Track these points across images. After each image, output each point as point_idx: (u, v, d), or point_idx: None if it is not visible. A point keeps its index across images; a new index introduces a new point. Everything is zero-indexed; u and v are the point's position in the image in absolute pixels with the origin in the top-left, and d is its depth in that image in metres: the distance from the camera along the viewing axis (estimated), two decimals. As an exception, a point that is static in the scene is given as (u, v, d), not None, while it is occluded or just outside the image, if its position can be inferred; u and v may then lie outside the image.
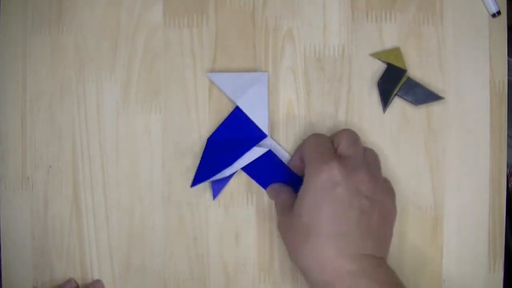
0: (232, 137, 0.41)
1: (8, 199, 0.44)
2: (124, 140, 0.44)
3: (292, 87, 0.43)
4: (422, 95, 0.42)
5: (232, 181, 0.43)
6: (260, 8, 0.43)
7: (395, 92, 0.42)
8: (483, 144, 0.42)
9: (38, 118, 0.44)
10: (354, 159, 0.35)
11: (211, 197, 0.43)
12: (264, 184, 0.41)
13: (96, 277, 0.44)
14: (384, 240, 0.35)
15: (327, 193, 0.33)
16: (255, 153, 0.41)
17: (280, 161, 0.41)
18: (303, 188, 0.34)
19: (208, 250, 0.43)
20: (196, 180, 0.41)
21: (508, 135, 0.43)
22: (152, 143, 0.44)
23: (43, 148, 0.44)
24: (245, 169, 0.41)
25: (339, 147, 0.36)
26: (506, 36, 0.42)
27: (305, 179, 0.35)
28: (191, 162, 0.43)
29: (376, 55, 0.42)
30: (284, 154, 0.42)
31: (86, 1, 0.44)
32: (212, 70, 0.43)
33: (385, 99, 0.42)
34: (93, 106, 0.44)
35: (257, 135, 0.41)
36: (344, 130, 0.38)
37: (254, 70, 0.43)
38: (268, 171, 0.41)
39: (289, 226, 0.34)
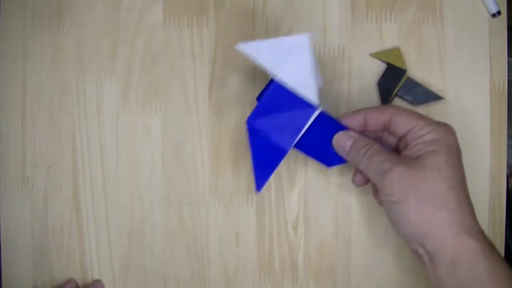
0: (278, 118, 0.36)
1: (8, 199, 0.44)
2: (124, 140, 0.44)
3: (292, 87, 0.43)
4: (422, 95, 0.42)
5: (232, 181, 0.43)
6: (260, 8, 0.43)
7: (395, 92, 0.42)
8: (483, 144, 0.42)
9: (38, 118, 0.44)
10: None
11: (212, 197, 0.43)
12: (324, 157, 0.36)
13: (96, 277, 0.44)
14: None
15: (458, 153, 0.33)
16: (307, 122, 0.36)
17: (335, 121, 0.36)
18: (433, 142, 0.33)
19: (208, 250, 0.43)
20: (259, 182, 0.36)
21: (508, 135, 0.43)
22: (152, 143, 0.44)
23: (43, 148, 0.44)
24: (301, 146, 0.36)
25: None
26: (506, 36, 0.42)
27: (430, 135, 0.33)
28: (191, 162, 0.43)
29: (376, 55, 0.42)
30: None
31: (86, 1, 0.44)
32: (213, 70, 0.43)
33: (385, 99, 0.42)
34: (93, 106, 0.44)
35: (306, 110, 0.36)
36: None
37: (254, 70, 0.43)
38: (326, 138, 0.36)
39: (419, 181, 0.32)
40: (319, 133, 0.36)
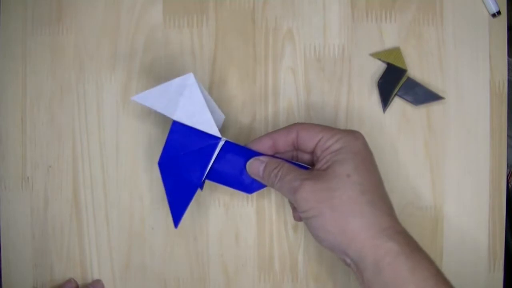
0: (185, 155, 0.37)
1: (8, 199, 0.44)
2: (124, 140, 0.44)
3: (292, 87, 0.43)
4: (422, 95, 0.42)
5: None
6: (260, 8, 0.43)
7: (395, 92, 0.42)
8: (483, 144, 0.42)
9: (38, 118, 0.44)
10: None
11: (210, 198, 0.43)
12: (238, 183, 0.37)
13: (96, 277, 0.44)
14: None
15: (368, 157, 0.34)
16: (213, 154, 0.37)
17: (243, 147, 0.37)
18: (340, 151, 0.33)
19: (208, 250, 0.43)
20: (176, 218, 0.37)
21: (508, 135, 0.43)
22: (152, 143, 0.44)
23: (43, 148, 0.44)
24: (217, 178, 0.37)
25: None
26: (506, 36, 0.42)
27: (337, 144, 0.34)
28: (191, 162, 0.43)
29: (376, 55, 0.42)
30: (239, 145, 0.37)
31: (86, 1, 0.44)
32: (213, 70, 0.43)
33: (385, 99, 0.42)
34: (93, 106, 0.44)
35: (210, 142, 0.37)
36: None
37: (254, 70, 0.43)
38: (238, 165, 0.37)
39: (329, 192, 0.32)
40: (231, 162, 0.37)
